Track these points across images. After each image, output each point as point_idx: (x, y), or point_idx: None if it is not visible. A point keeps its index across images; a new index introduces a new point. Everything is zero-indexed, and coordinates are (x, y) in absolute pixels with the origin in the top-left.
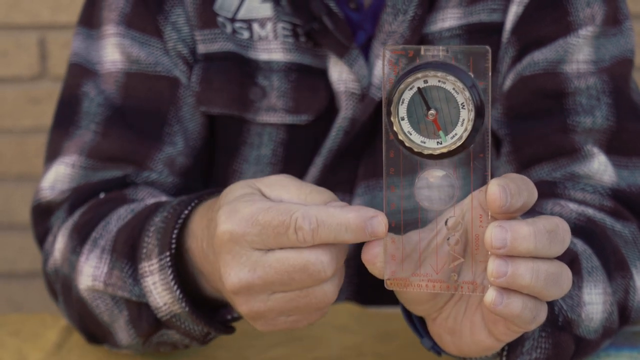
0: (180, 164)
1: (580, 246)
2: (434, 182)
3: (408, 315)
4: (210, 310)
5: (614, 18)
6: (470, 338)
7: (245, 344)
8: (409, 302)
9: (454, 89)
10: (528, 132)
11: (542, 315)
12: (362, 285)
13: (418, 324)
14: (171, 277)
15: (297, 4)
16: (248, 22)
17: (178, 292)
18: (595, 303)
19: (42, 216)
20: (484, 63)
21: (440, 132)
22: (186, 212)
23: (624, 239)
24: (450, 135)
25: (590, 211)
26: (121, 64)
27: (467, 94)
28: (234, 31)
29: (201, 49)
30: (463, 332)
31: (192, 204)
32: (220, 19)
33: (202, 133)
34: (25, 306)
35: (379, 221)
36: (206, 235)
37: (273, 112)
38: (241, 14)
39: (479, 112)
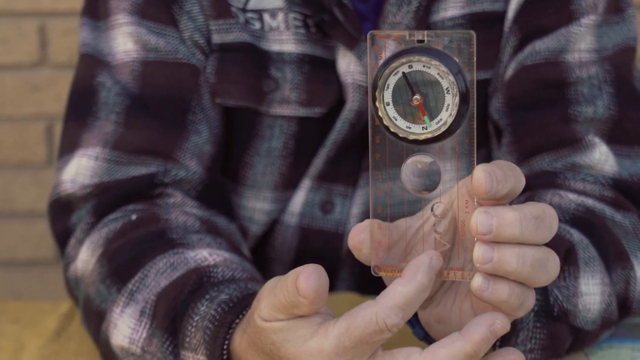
0: (208, 152)
1: (577, 236)
2: (420, 168)
3: None
4: None
5: (616, 6)
6: (460, 326)
7: None
8: None
9: (438, 73)
10: (529, 122)
11: (530, 301)
12: (363, 276)
13: None
14: None
15: None
16: (259, 13)
17: None
18: (592, 293)
19: (62, 212)
20: (469, 48)
21: (425, 117)
22: (237, 321)
23: (624, 229)
24: (435, 120)
25: (589, 201)
26: (136, 53)
27: (451, 78)
28: (247, 21)
29: (216, 39)
30: (453, 320)
31: (241, 315)
32: (233, 9)
33: (222, 121)
34: (25, 294)
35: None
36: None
37: (286, 105)
38: (251, 4)
39: (464, 98)
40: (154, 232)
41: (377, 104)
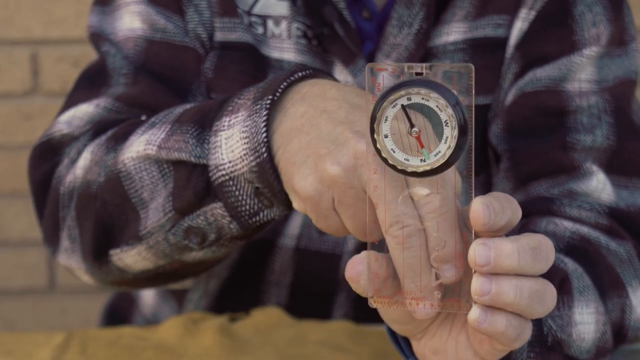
0: None
1: (571, 265)
2: (416, 200)
3: (393, 335)
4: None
5: (620, 39)
6: (456, 358)
7: None
8: (393, 322)
9: (437, 106)
10: (527, 148)
11: (527, 332)
12: (360, 301)
13: (403, 344)
14: (264, 118)
15: (311, 6)
16: (263, 18)
17: (264, 135)
18: (586, 323)
19: (49, 155)
20: (468, 80)
21: (424, 150)
22: (300, 74)
23: (619, 257)
24: (434, 152)
25: (584, 229)
26: (142, 31)
27: (450, 111)
28: (250, 24)
29: (219, 36)
30: (448, 352)
31: (307, 71)
32: (239, 10)
33: None
34: (19, 323)
35: None
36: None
37: None
38: (257, 9)
39: (463, 130)
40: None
41: (375, 136)
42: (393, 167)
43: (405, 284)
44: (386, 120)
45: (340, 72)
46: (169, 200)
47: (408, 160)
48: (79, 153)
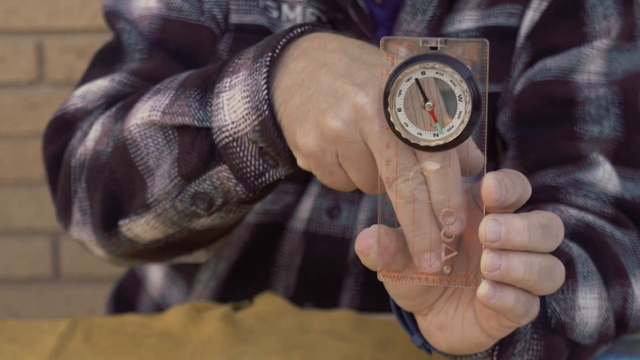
0: None
1: (576, 250)
2: (426, 175)
3: (399, 311)
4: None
5: (630, 34)
6: (462, 334)
7: (241, 351)
8: (400, 297)
9: (451, 80)
10: (535, 137)
11: (535, 309)
12: (368, 285)
13: (408, 321)
14: (264, 75)
15: None
16: (278, 2)
17: (265, 92)
18: (590, 308)
19: (63, 130)
20: (482, 56)
21: (437, 124)
22: (299, 29)
23: (623, 247)
24: (447, 127)
25: (590, 217)
26: (157, 10)
27: (464, 86)
28: (265, 8)
29: (234, 18)
30: (454, 328)
31: (307, 27)
32: None
33: None
34: (22, 312)
35: None
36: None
37: None
38: None
39: (476, 105)
40: None
41: (388, 109)
42: (406, 141)
43: (414, 240)
44: (400, 94)
45: None
46: (174, 166)
47: (421, 134)
48: (91, 125)
